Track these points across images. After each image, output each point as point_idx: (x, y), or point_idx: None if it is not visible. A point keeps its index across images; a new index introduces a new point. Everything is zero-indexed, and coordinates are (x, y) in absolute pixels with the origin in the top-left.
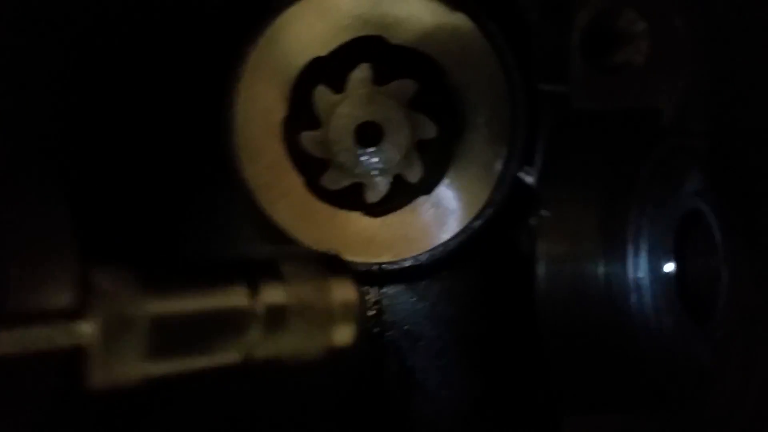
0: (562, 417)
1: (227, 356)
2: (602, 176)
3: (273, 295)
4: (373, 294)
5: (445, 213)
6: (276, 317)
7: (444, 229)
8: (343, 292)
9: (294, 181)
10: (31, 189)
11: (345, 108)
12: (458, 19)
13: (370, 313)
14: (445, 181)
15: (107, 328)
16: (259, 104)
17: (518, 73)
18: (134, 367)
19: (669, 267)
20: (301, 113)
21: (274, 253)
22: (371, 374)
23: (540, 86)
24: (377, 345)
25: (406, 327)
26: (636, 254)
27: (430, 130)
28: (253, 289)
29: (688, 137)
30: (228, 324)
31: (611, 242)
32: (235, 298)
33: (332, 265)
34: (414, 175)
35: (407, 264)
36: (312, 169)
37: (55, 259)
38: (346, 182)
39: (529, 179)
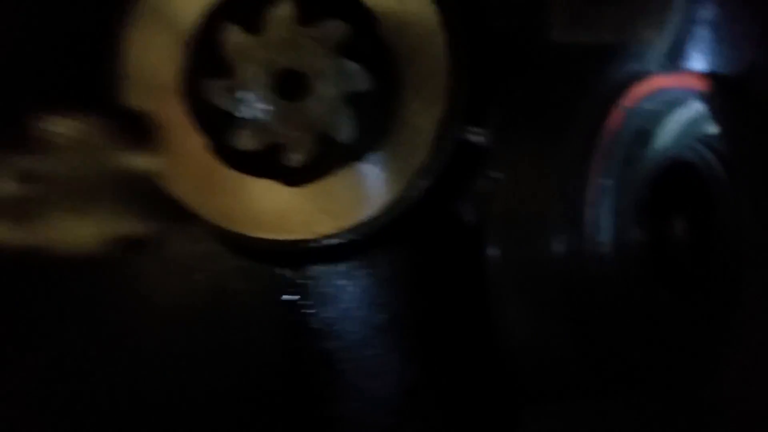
0: (521, 407)
1: None
2: (561, 128)
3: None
4: (292, 276)
5: (377, 183)
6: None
7: (376, 201)
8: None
9: (195, 142)
10: None
11: (261, 52)
12: None
13: (290, 297)
14: (378, 146)
15: None
16: (153, 52)
17: (460, 16)
18: None
19: (641, 231)
20: (206, 59)
21: None
22: (290, 366)
23: (495, 23)
24: (297, 333)
25: (330, 313)
26: (599, 218)
27: (362, 82)
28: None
29: (676, 79)
30: None
31: (572, 206)
32: None
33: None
34: (344, 133)
35: (333, 242)
36: (217, 127)
37: None
38: (261, 142)
39: (478, 138)
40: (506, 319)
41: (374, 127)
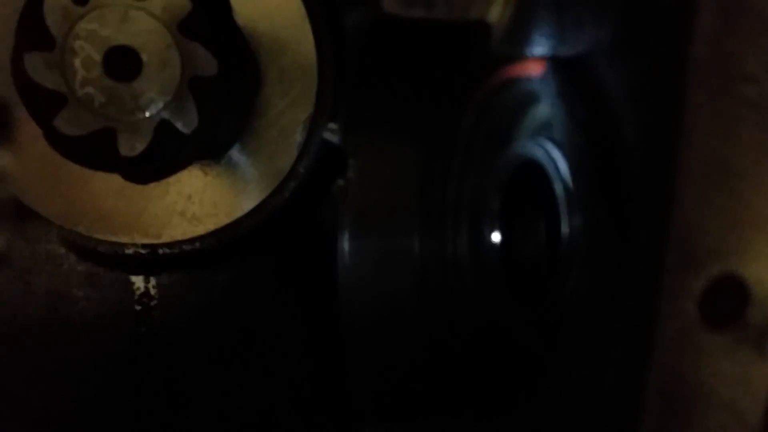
0: (362, 426)
1: None
2: (418, 123)
3: None
4: (138, 285)
5: (236, 185)
6: None
7: (234, 205)
8: None
9: (25, 127)
10: None
11: (90, 24)
12: None
13: (136, 308)
14: (238, 145)
15: None
16: None
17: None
18: None
19: (494, 238)
20: (28, 30)
21: None
22: (135, 381)
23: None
24: (143, 348)
25: (180, 326)
26: (456, 224)
27: (208, 66)
28: None
29: (528, 64)
30: None
31: (427, 209)
32: None
33: None
34: (187, 122)
35: (185, 248)
36: (46, 110)
37: None
38: (89, 126)
39: (333, 137)
40: (355, 320)
41: (227, 120)
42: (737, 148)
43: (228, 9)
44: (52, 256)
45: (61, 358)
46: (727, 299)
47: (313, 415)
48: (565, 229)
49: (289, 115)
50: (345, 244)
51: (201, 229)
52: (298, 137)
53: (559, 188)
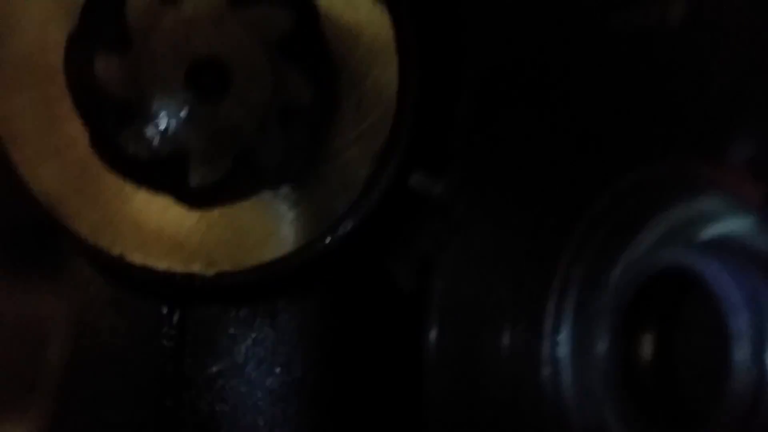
0: None
1: None
2: (538, 202)
3: None
4: (176, 316)
5: (291, 218)
6: None
7: (286, 239)
8: None
9: (73, 132)
10: None
11: (177, 28)
12: None
13: (167, 343)
14: (301, 175)
15: None
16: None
17: (418, 45)
18: None
19: (611, 344)
20: (101, 27)
21: None
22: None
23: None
24: (175, 388)
25: (214, 367)
26: (558, 319)
27: (302, 93)
28: None
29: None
30: None
31: (529, 298)
32: None
33: None
34: (270, 155)
35: (227, 280)
36: (105, 118)
37: None
38: (159, 147)
39: (428, 189)
40: (438, 411)
41: (302, 151)
42: None
43: (320, 26)
44: (76, 277)
45: (78, 396)
46: None
47: None
48: (740, 358)
49: (358, 148)
50: (433, 322)
51: (247, 262)
52: (365, 172)
53: (732, 314)
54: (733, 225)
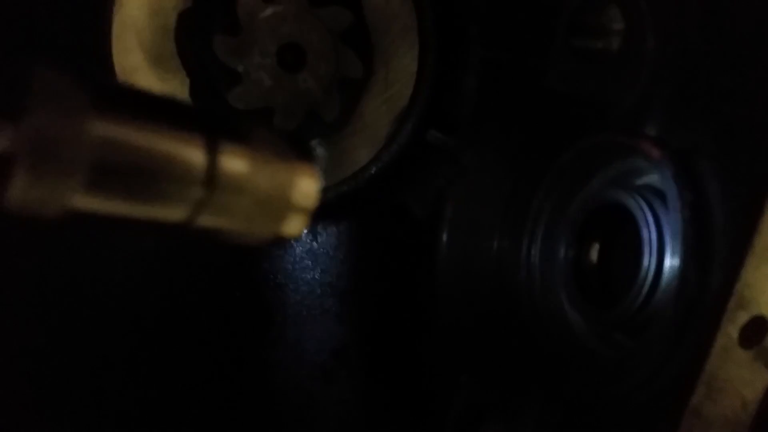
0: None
1: (169, 212)
2: (523, 154)
3: (233, 160)
4: None
5: (331, 160)
6: (230, 185)
7: (326, 176)
8: (307, 181)
9: (177, 86)
10: None
11: (272, 21)
12: None
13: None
14: (340, 129)
15: (42, 140)
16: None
17: (435, 33)
18: (61, 194)
19: (567, 252)
20: (214, 14)
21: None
22: (232, 309)
23: (486, 53)
24: (238, 280)
25: (272, 268)
26: (533, 234)
27: (356, 69)
28: (212, 145)
29: (629, 136)
30: (176, 176)
31: (513, 219)
32: (190, 149)
33: (301, 150)
34: (330, 113)
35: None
36: (211, 78)
37: None
38: (255, 104)
39: (440, 142)
40: (447, 297)
41: (349, 112)
42: None
43: (366, 19)
44: None
45: (177, 282)
46: (756, 331)
47: (393, 363)
48: (647, 262)
49: (384, 110)
50: (443, 240)
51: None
52: (388, 129)
53: (646, 233)
54: (651, 176)
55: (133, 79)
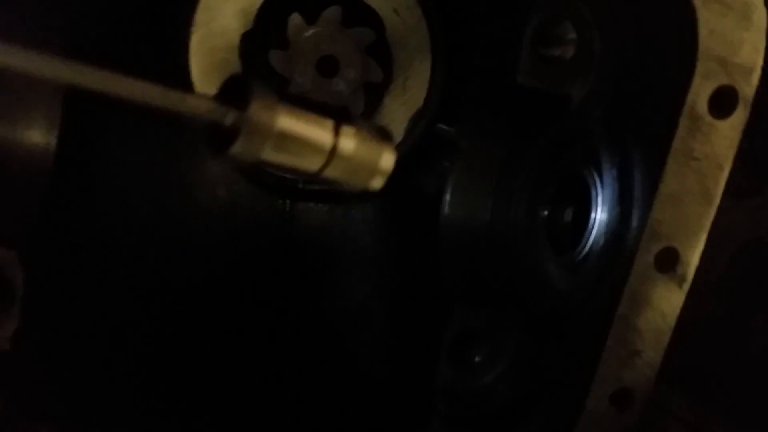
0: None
1: (310, 164)
2: (508, 140)
3: (347, 138)
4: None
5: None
6: (344, 153)
7: None
8: (387, 159)
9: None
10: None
11: (313, 39)
12: None
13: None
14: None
15: (254, 120)
16: (219, 22)
17: (444, 47)
18: (259, 151)
19: (542, 213)
20: (269, 34)
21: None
22: (273, 272)
23: (476, 61)
24: (285, 246)
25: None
26: (519, 201)
27: (377, 75)
28: (337, 127)
29: (584, 121)
30: (316, 144)
31: (502, 191)
32: (324, 129)
33: (385, 135)
34: (356, 109)
35: (317, 187)
36: (278, 86)
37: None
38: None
39: (446, 133)
40: (448, 249)
41: (373, 110)
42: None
43: (387, 35)
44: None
45: (220, 239)
46: (668, 258)
47: (410, 315)
48: (595, 215)
49: (401, 110)
50: (446, 206)
51: None
52: (405, 126)
53: (594, 194)
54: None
55: (205, 85)
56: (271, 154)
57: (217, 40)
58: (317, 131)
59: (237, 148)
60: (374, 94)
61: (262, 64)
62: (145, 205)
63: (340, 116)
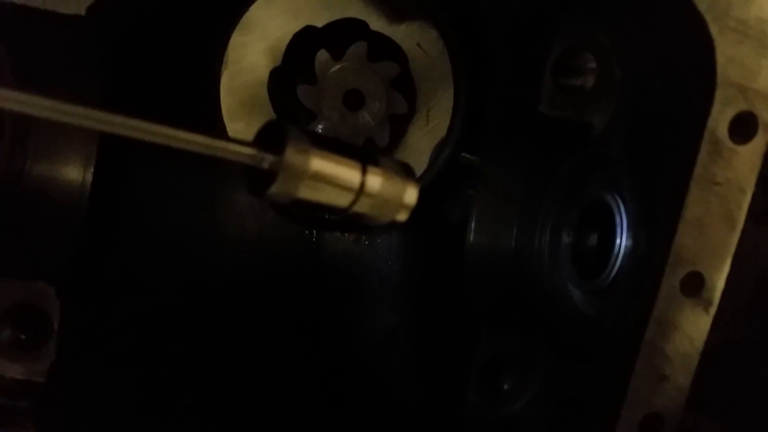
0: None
1: (340, 201)
2: (531, 167)
3: (374, 176)
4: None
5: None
6: (371, 190)
7: None
8: (411, 190)
9: (269, 116)
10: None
11: (339, 73)
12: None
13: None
14: (392, 154)
15: (292, 164)
16: (248, 59)
17: (466, 78)
18: (295, 190)
19: (567, 239)
20: (298, 70)
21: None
22: (299, 298)
23: (498, 91)
24: (309, 275)
25: (340, 267)
26: (542, 227)
27: (401, 107)
28: (364, 167)
29: (606, 148)
30: (346, 183)
31: (526, 218)
32: (353, 169)
33: (408, 172)
34: (382, 140)
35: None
36: (295, 120)
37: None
38: (327, 135)
39: (470, 162)
40: (473, 276)
41: (397, 141)
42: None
43: (410, 69)
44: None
45: (259, 267)
46: (694, 282)
47: (438, 341)
48: (620, 241)
49: (425, 141)
50: (471, 233)
51: None
52: (429, 156)
53: (618, 220)
54: (622, 178)
55: (234, 120)
56: (305, 193)
57: (247, 76)
58: (346, 171)
59: (275, 189)
60: (399, 125)
61: (291, 99)
62: (176, 238)
63: (366, 157)
